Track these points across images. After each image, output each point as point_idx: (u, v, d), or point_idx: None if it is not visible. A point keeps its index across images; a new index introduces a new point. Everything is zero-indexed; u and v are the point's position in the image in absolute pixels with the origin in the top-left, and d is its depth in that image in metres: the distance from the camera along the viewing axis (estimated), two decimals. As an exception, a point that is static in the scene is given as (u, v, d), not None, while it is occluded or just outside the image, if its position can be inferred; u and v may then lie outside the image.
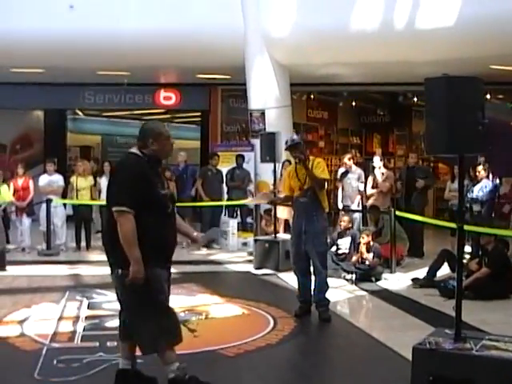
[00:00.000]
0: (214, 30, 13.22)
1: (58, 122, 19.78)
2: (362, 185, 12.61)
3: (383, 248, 10.38)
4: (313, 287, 7.51)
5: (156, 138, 4.78)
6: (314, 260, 7.43)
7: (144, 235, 4.53)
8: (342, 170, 13.10)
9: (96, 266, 11.06)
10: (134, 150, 4.81)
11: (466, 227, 5.77)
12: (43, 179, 12.61)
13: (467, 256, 10.23)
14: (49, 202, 12.16)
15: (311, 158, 7.74)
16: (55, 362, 5.66)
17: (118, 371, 4.97)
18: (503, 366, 4.03)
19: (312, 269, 7.52)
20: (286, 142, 7.71)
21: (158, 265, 4.66)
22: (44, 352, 5.96)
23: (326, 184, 7.79)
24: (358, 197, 12.52)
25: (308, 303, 7.52)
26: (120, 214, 4.51)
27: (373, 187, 12.53)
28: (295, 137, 7.81)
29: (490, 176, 11.74)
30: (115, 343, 6.21)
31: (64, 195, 12.88)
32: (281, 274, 10.07)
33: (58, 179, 12.69)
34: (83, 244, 12.78)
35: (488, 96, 14.84)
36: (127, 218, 4.50)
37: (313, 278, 7.52)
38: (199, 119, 20.08)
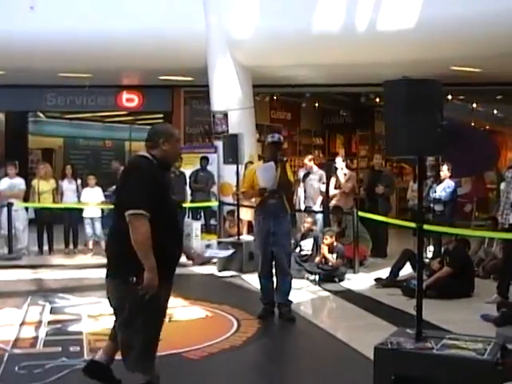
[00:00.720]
0: (176, 32, 13.19)
1: (20, 125, 19.54)
2: (324, 186, 12.69)
3: (347, 248, 10.45)
4: (276, 288, 7.55)
5: (167, 139, 4.63)
6: (280, 261, 7.45)
7: (153, 242, 4.31)
8: (303, 172, 13.17)
9: (59, 269, 11.05)
10: (143, 153, 4.66)
11: (426, 227, 5.84)
12: (4, 183, 12.45)
13: (429, 256, 10.35)
14: (10, 205, 12.00)
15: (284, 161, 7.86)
16: (17, 368, 5.59)
17: (91, 360, 4.92)
18: (463, 364, 4.08)
19: (275, 270, 7.56)
20: (272, 137, 7.68)
21: (166, 276, 4.47)
22: (5, 358, 5.88)
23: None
24: (320, 198, 12.60)
25: (272, 305, 7.54)
26: (135, 218, 4.29)
27: (335, 188, 12.60)
28: (276, 135, 7.80)
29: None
30: (78, 348, 6.22)
31: (25, 198, 12.74)
32: (244, 276, 10.08)
33: (19, 183, 12.54)
34: (46, 248, 12.65)
35: (449, 97, 15.05)
36: (143, 222, 4.29)
37: (274, 279, 7.57)
38: (162, 121, 19.98)
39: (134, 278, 4.29)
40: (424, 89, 4.45)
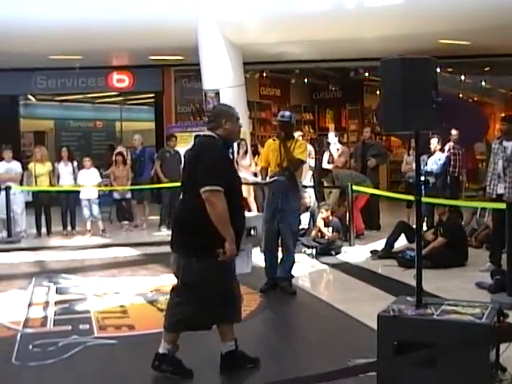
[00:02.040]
0: (165, 11, 13.25)
1: (11, 108, 19.55)
2: (313, 161, 12.81)
3: (359, 199, 10.73)
4: (279, 264, 7.74)
5: (229, 118, 4.93)
6: (285, 238, 7.61)
7: None
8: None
9: (59, 251, 11.19)
10: (208, 132, 4.91)
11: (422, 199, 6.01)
12: (1, 167, 12.52)
13: (423, 227, 10.55)
14: (8, 189, 12.11)
15: (296, 139, 7.92)
16: (31, 346, 5.77)
17: (224, 355, 5.09)
18: (462, 328, 4.27)
19: (280, 247, 7.73)
20: (277, 117, 7.86)
21: (238, 246, 4.80)
22: (18, 338, 6.05)
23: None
24: (310, 173, 12.71)
25: (274, 279, 7.72)
26: (213, 194, 4.57)
27: (329, 162, 12.77)
28: (286, 113, 7.91)
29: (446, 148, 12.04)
30: (87, 326, 6.41)
31: (20, 182, 12.85)
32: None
33: (16, 166, 12.63)
34: (43, 230, 12.79)
35: (438, 70, 15.16)
36: (220, 197, 4.59)
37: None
38: (153, 101, 20.06)
39: (221, 251, 4.60)
40: (419, 67, 4.60)
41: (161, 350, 4.98)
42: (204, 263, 4.70)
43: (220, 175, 4.63)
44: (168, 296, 7.36)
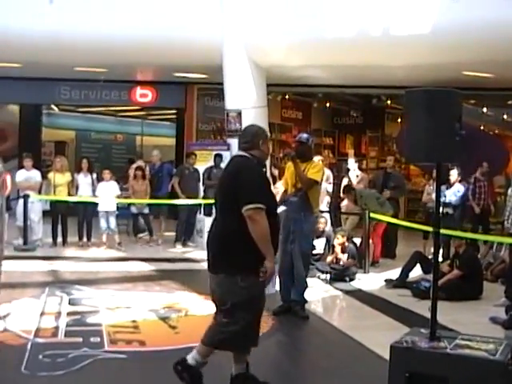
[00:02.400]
0: (191, 29, 13.34)
1: (34, 117, 19.73)
2: (331, 186, 12.80)
3: (379, 225, 10.79)
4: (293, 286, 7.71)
5: (264, 140, 5.04)
6: (295, 259, 7.59)
7: None
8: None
9: (73, 261, 11.23)
10: (242, 153, 4.96)
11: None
12: (21, 175, 12.62)
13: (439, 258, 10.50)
14: (26, 197, 12.19)
15: (314, 160, 8.02)
16: (41, 356, 5.76)
17: (234, 377, 5.04)
18: (475, 363, 4.24)
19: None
20: (298, 137, 7.98)
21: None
22: (29, 347, 6.05)
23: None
24: (327, 198, 12.68)
25: (288, 302, 7.69)
26: (256, 212, 4.59)
27: (347, 188, 12.74)
28: (304, 135, 8.01)
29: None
30: (98, 339, 6.40)
31: (39, 191, 12.93)
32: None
33: (35, 175, 12.72)
34: (59, 240, 12.84)
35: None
36: (263, 215, 4.62)
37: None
38: (175, 117, 20.18)
39: (262, 269, 4.61)
40: (443, 98, 4.61)
41: (190, 360, 4.95)
42: (248, 282, 4.68)
43: (261, 194, 4.70)
44: (180, 314, 7.47)
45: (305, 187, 7.61)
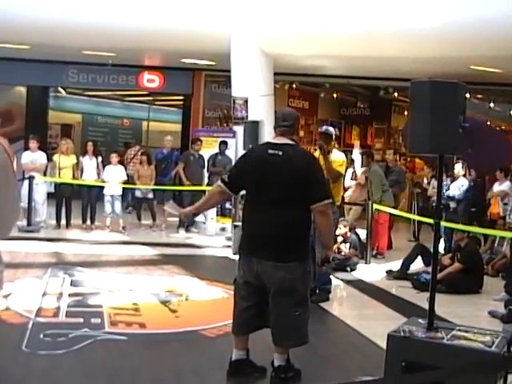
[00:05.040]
0: (200, 16, 13.31)
1: (41, 99, 19.73)
2: None
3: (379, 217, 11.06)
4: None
5: (299, 124, 5.14)
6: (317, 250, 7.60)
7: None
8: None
9: (76, 244, 11.29)
10: (287, 140, 4.91)
11: (442, 223, 6.02)
12: (26, 156, 12.63)
13: (441, 251, 10.53)
14: (31, 179, 12.23)
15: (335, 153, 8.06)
16: (41, 335, 5.83)
17: (232, 362, 5.08)
18: (471, 354, 4.27)
19: None
20: (320, 128, 8.18)
21: None
22: (30, 326, 6.12)
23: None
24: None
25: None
26: (328, 207, 4.84)
27: (351, 179, 12.76)
28: (331, 128, 8.17)
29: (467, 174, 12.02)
30: (99, 320, 6.45)
31: (44, 173, 12.96)
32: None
33: (40, 157, 12.74)
34: (63, 222, 12.89)
35: (467, 95, 15.14)
36: (330, 208, 4.93)
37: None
38: (181, 103, 20.19)
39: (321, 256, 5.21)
40: (448, 91, 4.61)
41: (283, 362, 5.01)
42: (311, 268, 5.06)
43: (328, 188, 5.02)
44: (181, 298, 7.52)
45: (332, 179, 7.60)
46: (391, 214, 11.63)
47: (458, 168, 11.59)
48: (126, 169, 13.57)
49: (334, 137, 8.10)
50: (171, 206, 5.71)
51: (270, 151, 4.86)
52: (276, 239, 4.79)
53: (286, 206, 4.78)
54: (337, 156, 8.04)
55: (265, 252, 4.79)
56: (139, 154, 14.60)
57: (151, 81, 17.75)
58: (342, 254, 10.16)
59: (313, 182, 4.79)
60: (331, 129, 8.13)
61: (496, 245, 11.13)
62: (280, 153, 4.83)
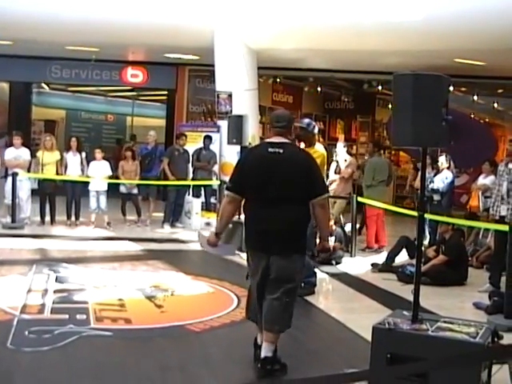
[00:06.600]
0: (183, 11, 13.26)
1: (24, 95, 19.66)
2: None
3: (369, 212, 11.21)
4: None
5: (293, 124, 5.40)
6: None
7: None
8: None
9: (61, 240, 11.23)
10: (284, 139, 5.14)
11: (425, 215, 6.04)
12: (10, 152, 12.54)
13: (425, 243, 10.58)
14: (15, 175, 12.16)
15: (315, 150, 7.82)
16: (27, 332, 5.81)
17: (263, 359, 5.05)
18: (456, 345, 4.31)
19: None
20: (300, 122, 7.92)
21: None
22: (15, 323, 6.10)
23: None
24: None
25: None
26: (326, 200, 5.15)
27: (335, 173, 12.77)
28: (305, 120, 8.08)
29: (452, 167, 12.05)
30: (84, 316, 6.44)
31: (28, 169, 12.88)
32: (244, 255, 10.20)
33: (24, 153, 12.64)
34: (47, 218, 12.82)
35: (451, 88, 15.21)
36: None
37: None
38: (165, 98, 20.15)
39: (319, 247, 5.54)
40: (431, 83, 4.63)
41: (270, 354, 5.02)
42: (302, 259, 5.20)
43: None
44: (166, 293, 7.51)
45: None
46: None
47: (442, 160, 11.61)
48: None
49: (310, 129, 7.75)
50: (201, 239, 5.77)
51: (271, 149, 5.07)
52: (283, 234, 5.02)
53: (290, 201, 5.00)
54: (316, 148, 7.98)
55: (274, 245, 5.02)
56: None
57: (135, 76, 17.69)
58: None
59: (314, 177, 5.06)
60: (306, 120, 7.93)
61: (480, 237, 11.18)
62: (281, 150, 5.04)
